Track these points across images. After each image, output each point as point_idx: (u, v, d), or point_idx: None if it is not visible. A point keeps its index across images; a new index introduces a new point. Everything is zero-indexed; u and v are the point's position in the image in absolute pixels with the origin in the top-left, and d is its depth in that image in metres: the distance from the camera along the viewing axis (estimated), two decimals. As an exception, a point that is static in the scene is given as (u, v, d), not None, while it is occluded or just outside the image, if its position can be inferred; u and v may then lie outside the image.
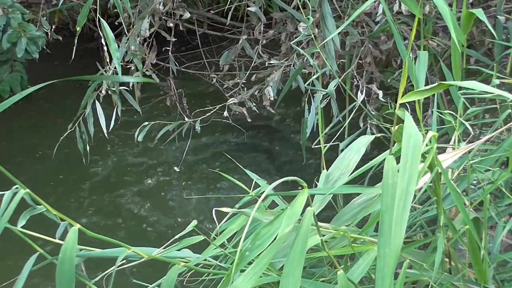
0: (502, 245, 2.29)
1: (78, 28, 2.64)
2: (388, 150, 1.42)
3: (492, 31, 2.09)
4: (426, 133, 1.41)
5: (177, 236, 1.36)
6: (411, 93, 1.31)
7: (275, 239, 1.15)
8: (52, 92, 4.90)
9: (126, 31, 3.27)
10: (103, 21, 2.41)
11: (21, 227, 1.21)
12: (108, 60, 3.08)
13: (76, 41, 2.81)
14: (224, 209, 1.39)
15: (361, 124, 3.06)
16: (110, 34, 2.48)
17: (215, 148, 4.31)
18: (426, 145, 1.37)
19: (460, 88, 2.67)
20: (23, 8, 4.00)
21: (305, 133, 2.89)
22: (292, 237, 1.16)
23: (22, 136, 4.59)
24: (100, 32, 2.61)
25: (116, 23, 3.67)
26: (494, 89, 1.22)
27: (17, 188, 1.19)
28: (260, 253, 1.15)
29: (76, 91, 4.81)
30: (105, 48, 2.76)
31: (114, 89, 3.21)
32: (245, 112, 3.49)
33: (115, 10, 3.84)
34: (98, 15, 2.58)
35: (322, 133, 1.78)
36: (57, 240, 1.26)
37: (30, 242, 1.25)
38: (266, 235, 1.13)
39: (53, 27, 4.36)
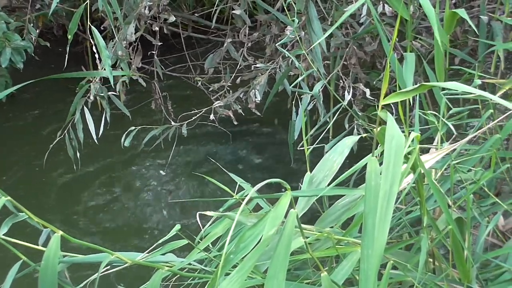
0: (487, 244, 2.31)
1: (69, 37, 2.65)
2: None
3: (475, 29, 2.10)
4: (409, 134, 1.42)
5: (160, 241, 1.36)
6: (393, 95, 1.32)
7: (259, 241, 1.16)
8: (38, 96, 4.88)
9: (115, 35, 3.26)
10: (94, 29, 2.41)
11: (3, 235, 1.20)
12: (98, 64, 3.07)
13: (68, 49, 2.80)
14: (208, 213, 1.39)
15: (347, 125, 3.07)
16: (101, 42, 2.48)
17: (201, 151, 4.30)
18: (409, 146, 1.38)
19: (444, 88, 2.69)
20: (7, 17, 4.00)
21: (293, 135, 2.90)
22: (276, 240, 1.16)
23: (9, 141, 4.56)
24: (91, 40, 2.61)
25: (102, 28, 3.66)
26: (474, 90, 1.23)
27: (-2, 195, 1.18)
28: (245, 256, 1.15)
29: (63, 95, 4.79)
30: (96, 55, 2.75)
31: (102, 94, 3.19)
32: (231, 115, 3.48)
33: (99, 14, 3.83)
34: (89, 22, 2.57)
35: (305, 136, 1.79)
36: (40, 247, 1.25)
37: (13, 249, 1.25)
38: (250, 237, 1.14)
39: (37, 31, 4.34)
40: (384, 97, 1.35)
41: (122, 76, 3.43)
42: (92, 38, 2.56)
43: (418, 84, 1.29)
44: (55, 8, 4.57)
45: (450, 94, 2.03)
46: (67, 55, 2.87)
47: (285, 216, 1.18)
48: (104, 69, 2.55)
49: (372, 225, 1.17)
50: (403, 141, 1.21)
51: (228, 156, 4.26)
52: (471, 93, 1.38)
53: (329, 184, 1.60)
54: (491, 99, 1.47)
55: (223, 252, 1.08)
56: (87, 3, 2.56)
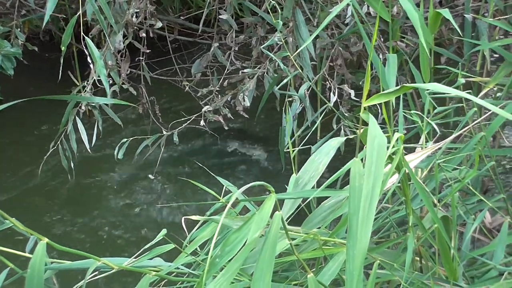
0: (474, 241, 2.33)
1: (63, 48, 2.66)
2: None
3: (458, 30, 2.12)
4: (394, 134, 1.43)
5: (147, 246, 1.38)
6: (375, 96, 1.34)
7: (245, 244, 1.17)
8: (27, 104, 4.85)
9: (106, 43, 3.26)
10: (88, 39, 2.42)
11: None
12: (93, 73, 3.07)
13: (62, 60, 2.80)
14: (193, 217, 1.40)
15: (334, 126, 3.08)
16: (96, 52, 2.49)
17: (190, 155, 4.30)
18: (393, 146, 1.40)
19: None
20: (-2, 23, 4.01)
21: (283, 141, 2.90)
22: (262, 242, 1.18)
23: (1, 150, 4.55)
24: (86, 50, 2.60)
25: (90, 35, 3.66)
26: (454, 90, 1.25)
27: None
28: (231, 259, 1.16)
29: (53, 102, 4.78)
30: (90, 65, 2.75)
31: (94, 104, 3.20)
32: (221, 120, 3.49)
33: (85, 19, 3.82)
34: (82, 34, 2.57)
35: (290, 139, 1.80)
36: (27, 254, 1.27)
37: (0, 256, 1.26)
38: (235, 241, 1.15)
39: (24, 37, 4.33)
40: (367, 98, 1.37)
41: (113, 84, 3.44)
42: (80, 44, 2.57)
43: (400, 86, 1.32)
44: (40, 14, 4.59)
45: (435, 93, 2.05)
46: (61, 67, 2.86)
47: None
48: (97, 78, 2.56)
49: (357, 226, 1.19)
50: (385, 142, 1.23)
51: (217, 159, 4.26)
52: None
53: (316, 186, 1.62)
54: (470, 99, 1.49)
55: (209, 255, 1.09)
56: (79, 14, 2.56)
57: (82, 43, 2.54)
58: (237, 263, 1.09)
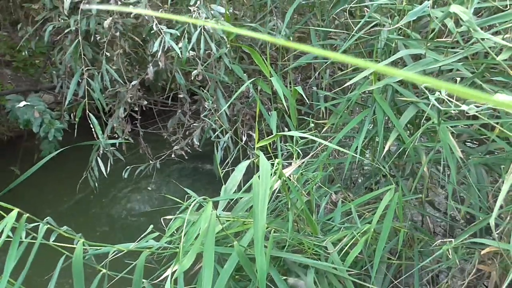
0: (329, 210, 2.38)
1: (77, 119, 2.64)
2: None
3: (306, 99, 2.20)
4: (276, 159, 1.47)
5: (142, 236, 1.36)
6: (262, 141, 1.39)
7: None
8: (66, 155, 4.65)
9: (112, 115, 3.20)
10: (91, 116, 2.38)
11: None
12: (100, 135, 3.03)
13: (76, 128, 2.75)
14: (168, 217, 1.40)
15: (250, 155, 3.11)
16: (98, 128, 2.47)
17: (170, 175, 4.23)
18: (276, 166, 1.44)
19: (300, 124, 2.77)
20: (51, 111, 3.83)
21: (216, 163, 2.92)
22: (207, 228, 1.19)
23: (45, 187, 4.33)
24: (92, 125, 2.60)
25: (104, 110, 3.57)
26: (302, 134, 1.31)
27: None
28: (193, 242, 1.17)
29: (77, 154, 4.61)
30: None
31: (107, 149, 3.15)
32: (183, 153, 3.48)
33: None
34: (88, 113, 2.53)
35: (219, 162, 1.81)
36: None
37: None
38: (194, 232, 1.16)
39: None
40: (259, 140, 1.41)
41: (119, 138, 3.37)
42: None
43: (274, 134, 1.36)
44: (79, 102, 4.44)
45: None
46: (75, 131, 2.82)
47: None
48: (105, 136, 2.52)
49: (257, 212, 1.22)
50: (269, 167, 1.27)
51: (185, 178, 4.21)
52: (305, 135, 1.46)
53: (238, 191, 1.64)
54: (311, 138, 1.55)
55: (181, 243, 1.09)
56: (85, 101, 2.55)
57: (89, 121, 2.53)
58: (198, 244, 1.10)
